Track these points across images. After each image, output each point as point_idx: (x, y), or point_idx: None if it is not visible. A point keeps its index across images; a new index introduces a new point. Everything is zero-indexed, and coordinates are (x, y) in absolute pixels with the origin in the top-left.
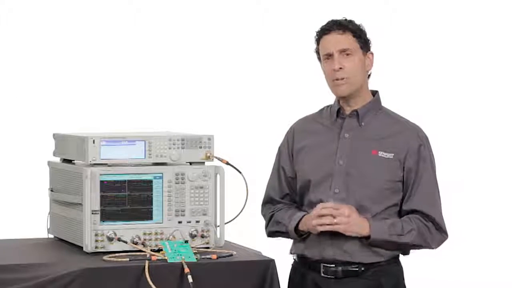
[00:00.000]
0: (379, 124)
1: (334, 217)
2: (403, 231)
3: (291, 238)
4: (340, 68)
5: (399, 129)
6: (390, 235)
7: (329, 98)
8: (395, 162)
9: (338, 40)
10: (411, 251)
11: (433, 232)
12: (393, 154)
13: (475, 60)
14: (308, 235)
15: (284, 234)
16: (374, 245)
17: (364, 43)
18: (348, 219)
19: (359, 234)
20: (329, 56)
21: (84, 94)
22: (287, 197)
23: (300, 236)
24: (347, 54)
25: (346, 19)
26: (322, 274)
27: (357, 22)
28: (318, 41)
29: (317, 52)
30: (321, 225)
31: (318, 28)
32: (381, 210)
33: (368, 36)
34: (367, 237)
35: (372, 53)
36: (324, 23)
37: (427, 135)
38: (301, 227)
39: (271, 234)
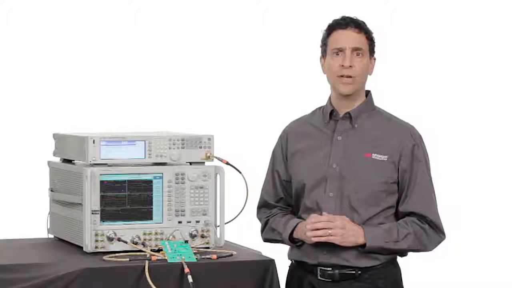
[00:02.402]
0: (372, 125)
1: (329, 229)
2: (399, 237)
3: (287, 245)
4: (350, 66)
5: (392, 129)
6: (385, 242)
7: (327, 98)
8: (389, 164)
9: (354, 38)
10: (409, 253)
11: (430, 234)
12: (387, 156)
13: (475, 60)
14: (303, 242)
15: (280, 241)
16: (370, 252)
17: (373, 47)
18: (343, 231)
19: (354, 243)
20: (340, 51)
21: (84, 94)
22: (282, 201)
23: (295, 243)
24: (358, 54)
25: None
26: (319, 277)
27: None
28: (329, 33)
29: (325, 44)
30: (316, 236)
31: (331, 20)
32: (376, 212)
33: (375, 42)
34: (363, 245)
35: (375, 59)
36: (338, 18)
37: (421, 134)
38: (296, 235)
39: (266, 240)
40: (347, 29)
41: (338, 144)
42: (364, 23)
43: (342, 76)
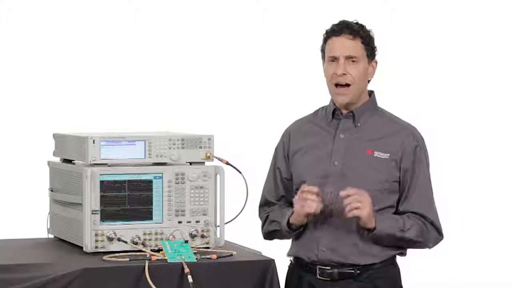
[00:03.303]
0: (375, 124)
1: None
2: (405, 226)
3: (284, 236)
4: (344, 74)
5: (395, 129)
6: (391, 227)
7: (328, 97)
8: (391, 162)
9: (347, 46)
10: (408, 251)
11: (430, 230)
12: (389, 154)
13: (475, 60)
14: (301, 230)
15: (279, 233)
16: (376, 238)
17: (371, 51)
18: (369, 206)
19: (368, 224)
20: (334, 59)
21: (84, 94)
22: (283, 199)
23: (293, 231)
24: (353, 61)
25: (357, 23)
26: (318, 276)
27: (368, 27)
28: (325, 40)
29: (323, 50)
30: (350, 210)
31: (328, 26)
32: (377, 210)
33: (375, 43)
34: (370, 230)
35: (376, 62)
36: (336, 22)
37: (423, 136)
38: (292, 220)
39: (266, 235)
40: (341, 36)
41: (340, 142)
42: (361, 27)
43: (336, 84)
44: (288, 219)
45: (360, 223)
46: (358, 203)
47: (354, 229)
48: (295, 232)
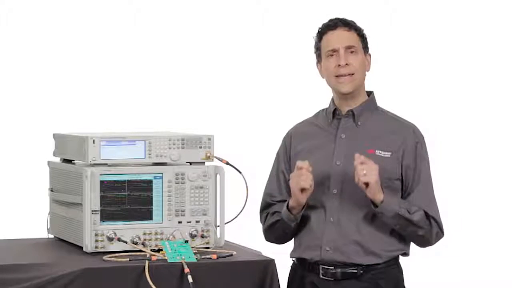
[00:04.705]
0: (375, 123)
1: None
2: (411, 209)
3: (285, 228)
4: (346, 64)
5: (395, 127)
6: (399, 205)
7: (328, 98)
8: (393, 160)
9: (345, 37)
10: (410, 251)
11: (433, 225)
12: (390, 153)
13: (475, 60)
14: (302, 210)
15: (280, 223)
16: (383, 214)
17: (365, 43)
18: (376, 171)
19: (376, 195)
20: (334, 52)
21: (84, 94)
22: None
23: (293, 215)
24: (352, 52)
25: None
26: (321, 276)
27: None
28: (320, 37)
29: (318, 48)
30: (358, 178)
31: (320, 25)
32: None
33: (367, 38)
34: (376, 206)
35: (370, 55)
36: (326, 21)
37: (423, 134)
38: (291, 203)
39: (267, 229)
40: (337, 29)
41: (341, 142)
42: (353, 21)
43: (340, 76)
44: (288, 204)
45: (368, 194)
46: (364, 171)
47: (364, 206)
48: (296, 216)
